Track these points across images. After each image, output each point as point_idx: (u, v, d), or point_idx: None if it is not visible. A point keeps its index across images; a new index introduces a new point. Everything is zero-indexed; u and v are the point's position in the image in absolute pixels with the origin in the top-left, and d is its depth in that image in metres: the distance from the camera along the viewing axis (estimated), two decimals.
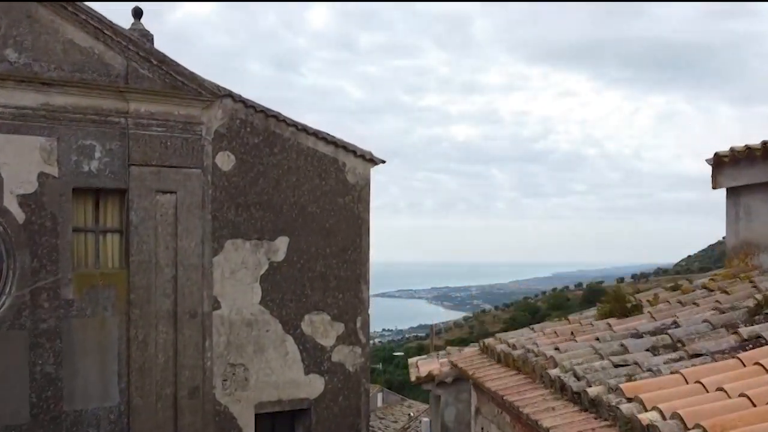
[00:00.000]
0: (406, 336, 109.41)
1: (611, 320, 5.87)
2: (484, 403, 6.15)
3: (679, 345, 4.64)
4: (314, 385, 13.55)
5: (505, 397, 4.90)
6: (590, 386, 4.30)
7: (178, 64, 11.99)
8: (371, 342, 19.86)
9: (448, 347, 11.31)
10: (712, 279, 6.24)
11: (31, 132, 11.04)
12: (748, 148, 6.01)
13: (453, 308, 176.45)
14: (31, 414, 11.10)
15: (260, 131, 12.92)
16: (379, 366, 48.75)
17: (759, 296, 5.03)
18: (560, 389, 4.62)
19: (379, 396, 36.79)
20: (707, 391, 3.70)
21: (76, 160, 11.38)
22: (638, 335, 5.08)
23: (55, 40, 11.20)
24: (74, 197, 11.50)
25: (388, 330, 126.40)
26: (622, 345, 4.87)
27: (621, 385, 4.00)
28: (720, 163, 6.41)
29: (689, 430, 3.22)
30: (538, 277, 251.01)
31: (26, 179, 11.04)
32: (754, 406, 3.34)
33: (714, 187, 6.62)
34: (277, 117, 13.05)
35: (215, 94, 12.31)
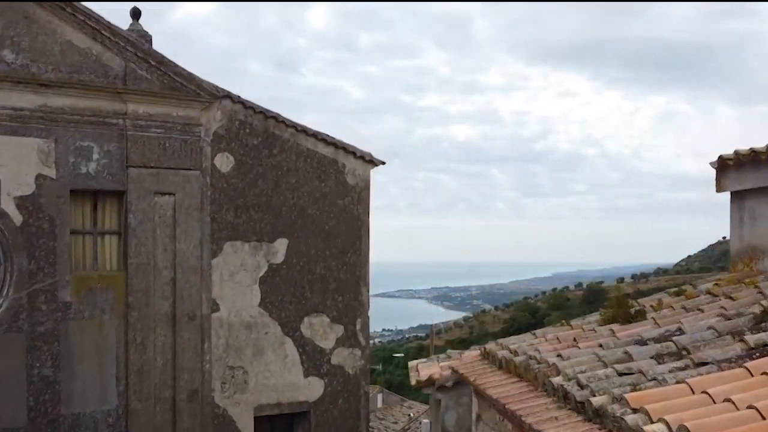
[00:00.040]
0: (406, 336, 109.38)
1: (614, 326, 5.79)
2: (486, 409, 6.07)
3: (684, 353, 4.56)
4: (314, 388, 13.48)
5: (507, 406, 4.82)
6: (594, 395, 4.22)
7: (176, 65, 11.91)
8: (371, 342, 19.80)
9: (449, 350, 11.22)
10: (716, 284, 6.16)
11: (29, 133, 10.96)
12: (753, 151, 5.93)
13: (453, 308, 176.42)
14: (28, 417, 11.02)
15: (259, 132, 12.84)
16: (379, 367, 48.68)
17: (765, 302, 4.95)
18: (563, 398, 4.54)
19: (379, 397, 36.73)
20: (714, 402, 3.62)
21: (73, 161, 11.30)
22: (642, 342, 5.00)
23: (53, 40, 11.12)
24: (72, 199, 11.42)
25: (388, 330, 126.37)
26: (626, 352, 4.79)
27: (626, 395, 3.93)
28: (724, 166, 6.33)
29: None
30: (538, 277, 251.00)
31: (23, 181, 10.96)
32: (763, 418, 3.27)
33: (718, 191, 6.54)
34: (277, 118, 12.97)
35: (214, 95, 12.24)
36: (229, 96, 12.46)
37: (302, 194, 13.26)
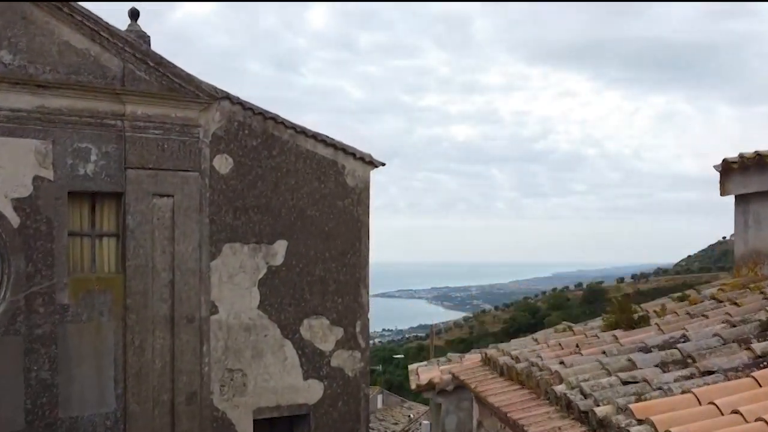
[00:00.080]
0: (406, 336, 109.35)
1: (617, 332, 5.71)
2: (487, 416, 5.99)
3: (689, 361, 4.48)
4: (313, 391, 13.40)
5: (508, 414, 4.74)
6: (598, 405, 4.14)
7: (175, 66, 11.83)
8: (371, 342, 19.74)
9: (449, 353, 11.15)
10: (720, 289, 6.07)
11: (26, 135, 10.88)
12: (758, 154, 5.85)
13: (453, 308, 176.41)
14: (26, 421, 10.93)
15: (258, 133, 12.76)
16: (379, 367, 48.62)
17: None
18: (566, 407, 4.46)
19: (379, 398, 36.66)
20: (722, 414, 3.54)
21: (71, 163, 11.21)
22: (646, 349, 4.92)
23: (51, 41, 11.04)
24: (70, 201, 11.33)
25: (388, 330, 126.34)
26: (629, 360, 4.71)
27: (631, 406, 3.84)
28: (728, 169, 6.25)
29: None
30: (538, 277, 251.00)
31: (21, 183, 10.88)
32: None
33: (722, 194, 6.46)
34: (276, 119, 12.89)
35: (213, 96, 12.16)
36: (228, 97, 12.38)
37: (302, 196, 13.18)
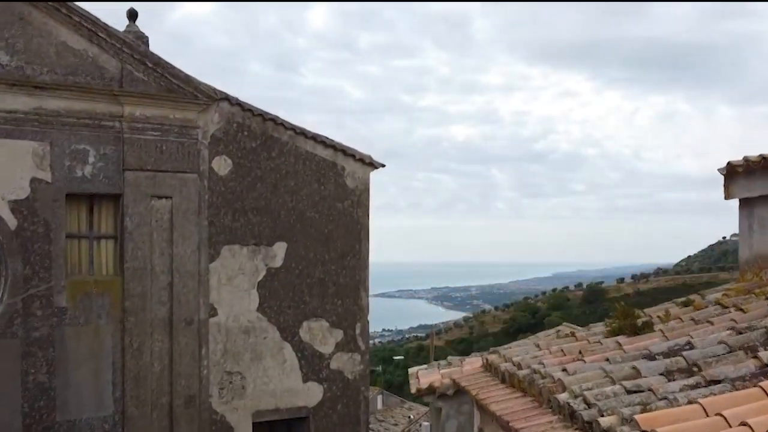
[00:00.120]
0: (406, 336, 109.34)
1: (621, 338, 5.63)
2: (488, 423, 5.90)
3: (695, 369, 4.40)
4: (313, 393, 13.32)
5: (510, 423, 4.66)
6: (602, 415, 4.06)
7: (173, 67, 11.75)
8: (371, 342, 19.65)
9: (449, 357, 11.06)
10: (725, 294, 5.99)
11: (23, 136, 10.79)
12: (763, 158, 5.77)
13: (453, 308, 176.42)
14: (23, 424, 10.84)
15: (258, 135, 12.67)
16: (379, 368, 48.54)
17: None
18: (570, 416, 4.38)
19: (379, 398, 36.59)
20: (730, 426, 3.45)
21: (69, 165, 11.13)
22: (651, 357, 4.83)
23: (48, 42, 10.95)
24: (68, 203, 11.25)
25: (388, 330, 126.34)
26: (634, 368, 4.62)
27: (636, 417, 3.76)
28: (733, 172, 6.17)
29: None
30: (538, 277, 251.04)
31: (18, 185, 10.80)
32: None
33: (726, 198, 6.38)
34: (275, 120, 12.81)
35: (212, 97, 12.07)
36: (226, 98, 12.30)
37: (301, 197, 13.10)
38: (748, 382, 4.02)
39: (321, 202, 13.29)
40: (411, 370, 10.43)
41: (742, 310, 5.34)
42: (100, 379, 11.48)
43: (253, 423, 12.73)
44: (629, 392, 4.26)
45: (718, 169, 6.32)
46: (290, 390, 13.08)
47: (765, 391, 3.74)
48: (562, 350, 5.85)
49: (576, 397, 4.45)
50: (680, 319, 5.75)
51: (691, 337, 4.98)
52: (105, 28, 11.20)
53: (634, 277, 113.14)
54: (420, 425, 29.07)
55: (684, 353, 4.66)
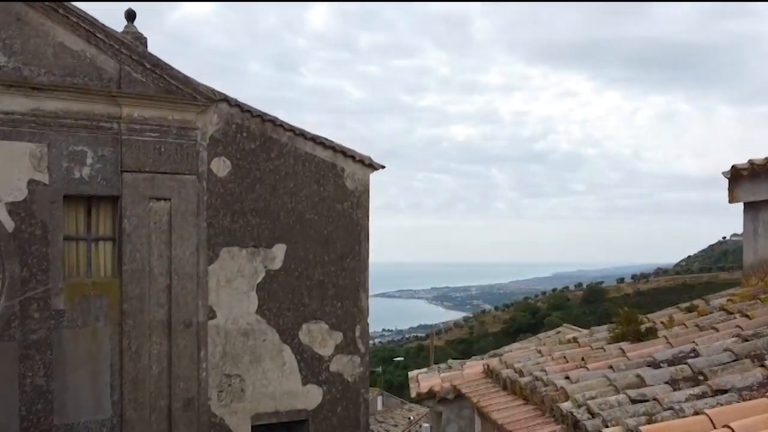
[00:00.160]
0: (406, 336, 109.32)
1: (624, 345, 5.54)
2: (489, 430, 5.82)
3: (700, 378, 4.32)
4: (312, 396, 13.24)
5: None
6: (607, 426, 3.98)
7: (172, 68, 11.67)
8: (371, 342, 19.54)
9: (450, 360, 10.98)
10: (730, 300, 5.90)
11: (21, 138, 10.71)
12: None
13: (453, 308, 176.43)
14: (20, 428, 10.76)
15: (257, 136, 12.59)
16: (379, 369, 48.46)
17: None
18: (573, 426, 4.30)
19: (379, 399, 36.52)
20: None
21: (67, 166, 11.05)
22: (655, 364, 4.75)
23: (46, 43, 10.87)
24: (65, 205, 11.17)
25: (388, 330, 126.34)
26: (638, 376, 4.54)
27: (641, 428, 3.68)
28: (738, 176, 6.08)
29: None
30: (538, 277, 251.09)
31: (15, 186, 10.72)
32: None
33: (730, 201, 6.29)
34: (274, 121, 12.73)
35: (210, 98, 11.99)
36: (225, 99, 12.22)
37: (300, 199, 13.02)
38: (755, 392, 3.94)
39: (320, 203, 13.21)
40: (411, 374, 10.35)
41: (747, 316, 5.26)
42: (98, 382, 11.40)
43: (252, 426, 12.65)
44: (634, 402, 4.18)
45: (723, 173, 6.24)
46: (289, 393, 13.00)
47: None
48: (564, 357, 5.77)
49: (579, 406, 4.37)
50: (684, 325, 5.67)
51: (696, 344, 4.90)
52: (103, 28, 11.13)
53: (634, 277, 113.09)
54: (420, 426, 29.00)
55: (689, 361, 4.58)
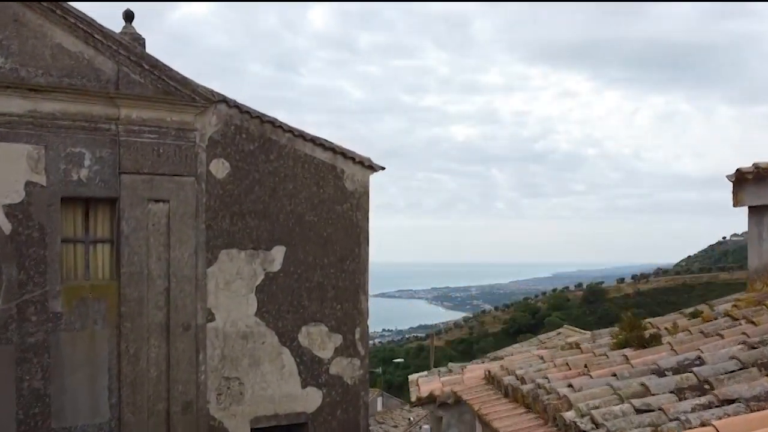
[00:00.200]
0: (406, 336, 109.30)
1: (627, 351, 5.46)
2: None
3: (707, 387, 4.24)
4: (312, 399, 13.16)
5: None
6: None
7: (170, 69, 11.59)
8: (371, 343, 19.45)
9: (450, 364, 10.90)
10: (735, 305, 5.82)
11: (18, 139, 10.64)
12: None
13: (453, 308, 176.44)
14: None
15: (256, 138, 12.51)
16: (378, 370, 48.36)
17: None
18: None
19: (379, 400, 36.45)
20: None
21: (64, 168, 10.98)
22: (660, 372, 4.67)
23: (43, 44, 10.80)
24: (63, 207, 11.10)
25: (388, 330, 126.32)
26: (643, 384, 4.46)
27: None
28: (742, 179, 6.00)
29: None
30: (538, 277, 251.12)
31: (12, 188, 10.64)
32: None
33: (735, 205, 6.21)
34: (273, 123, 12.65)
35: (209, 99, 11.91)
36: (224, 100, 12.14)
37: (300, 201, 12.94)
38: (763, 402, 3.86)
39: (320, 205, 13.13)
40: (411, 378, 10.27)
41: (753, 322, 5.18)
42: (96, 386, 11.33)
43: (251, 429, 12.59)
44: (639, 411, 4.10)
45: (727, 176, 6.16)
46: (289, 395, 12.93)
47: None
48: (567, 363, 5.69)
49: (583, 416, 4.29)
50: (689, 331, 5.59)
51: (701, 352, 4.82)
52: (101, 29, 11.05)
53: (634, 277, 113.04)
54: (420, 428, 28.91)
55: (694, 369, 4.50)
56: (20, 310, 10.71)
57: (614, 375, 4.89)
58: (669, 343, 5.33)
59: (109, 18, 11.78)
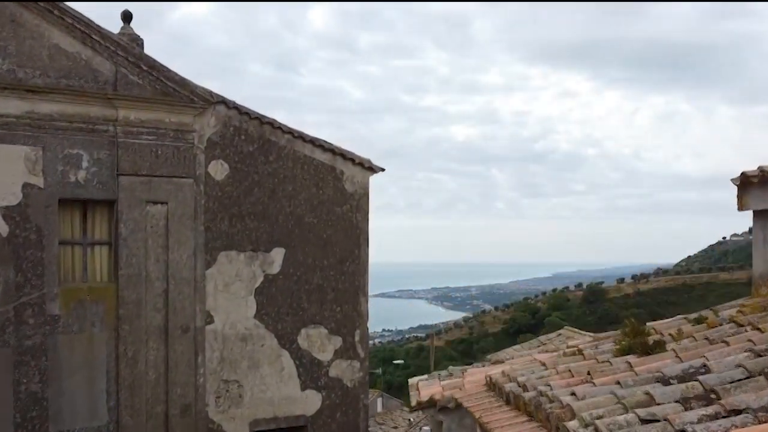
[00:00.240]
0: (406, 336, 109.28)
1: (631, 358, 5.38)
2: None
3: (713, 396, 4.16)
4: (311, 402, 13.09)
5: None
6: None
7: (169, 70, 11.50)
8: (371, 343, 19.39)
9: (450, 367, 10.83)
10: (740, 311, 5.74)
11: (15, 141, 10.55)
12: None
13: (453, 308, 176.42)
14: None
15: (255, 139, 12.43)
16: (378, 371, 48.29)
17: None
18: None
19: (379, 401, 36.37)
20: None
21: (62, 170, 10.89)
22: (665, 380, 4.59)
23: (41, 45, 10.71)
24: (61, 209, 11.01)
25: (388, 330, 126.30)
26: (647, 393, 4.38)
27: None
28: (747, 183, 5.92)
29: None
30: (538, 277, 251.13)
31: (10, 190, 10.56)
32: None
33: (740, 209, 6.12)
34: (273, 124, 12.57)
35: (208, 100, 11.83)
36: (223, 101, 12.06)
37: (299, 202, 12.86)
38: None
39: (319, 206, 13.05)
40: (411, 381, 10.19)
41: (759, 329, 5.10)
42: (94, 389, 11.25)
43: None
44: (644, 422, 4.02)
45: (732, 180, 6.08)
46: (288, 398, 12.86)
47: None
48: (569, 370, 5.60)
49: (587, 425, 4.20)
50: (693, 337, 5.51)
51: (707, 359, 4.74)
52: (99, 30, 10.96)
53: (634, 277, 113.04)
54: (420, 429, 28.83)
55: (700, 377, 4.42)
56: (17, 312, 10.63)
57: (618, 383, 4.81)
58: (673, 350, 5.24)
59: (107, 18, 11.71)
